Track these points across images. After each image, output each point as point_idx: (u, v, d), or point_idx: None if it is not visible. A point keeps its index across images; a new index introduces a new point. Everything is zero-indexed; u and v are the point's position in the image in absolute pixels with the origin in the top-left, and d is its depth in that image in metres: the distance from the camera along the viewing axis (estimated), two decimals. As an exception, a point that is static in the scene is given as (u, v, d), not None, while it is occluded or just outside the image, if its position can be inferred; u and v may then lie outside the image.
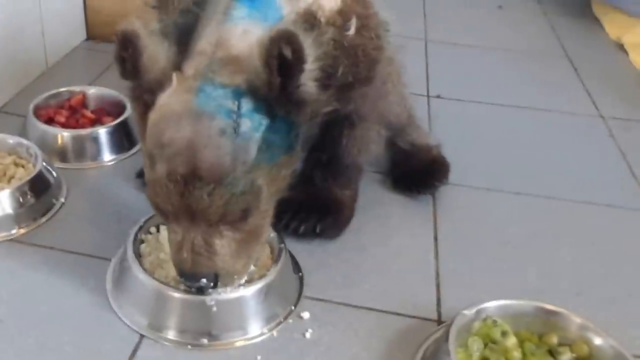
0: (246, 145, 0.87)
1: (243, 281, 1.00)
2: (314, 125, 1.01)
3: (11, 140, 1.31)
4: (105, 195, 1.29)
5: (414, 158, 1.38)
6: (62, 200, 1.26)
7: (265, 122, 0.89)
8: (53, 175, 1.27)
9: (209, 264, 0.92)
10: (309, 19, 0.96)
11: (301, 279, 1.11)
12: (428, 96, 1.78)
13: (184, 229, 0.91)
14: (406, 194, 1.36)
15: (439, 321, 1.06)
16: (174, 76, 0.90)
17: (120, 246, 1.10)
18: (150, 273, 1.02)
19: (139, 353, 0.97)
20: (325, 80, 0.95)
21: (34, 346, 0.96)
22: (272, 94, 0.87)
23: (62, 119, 1.43)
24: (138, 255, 1.06)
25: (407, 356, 0.99)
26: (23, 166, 1.28)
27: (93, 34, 1.96)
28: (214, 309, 0.98)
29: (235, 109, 0.87)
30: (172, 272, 1.01)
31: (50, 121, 1.42)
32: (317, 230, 1.19)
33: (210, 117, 0.86)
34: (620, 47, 2.24)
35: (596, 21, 2.47)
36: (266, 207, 0.95)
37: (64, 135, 1.38)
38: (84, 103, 1.50)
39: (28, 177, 1.20)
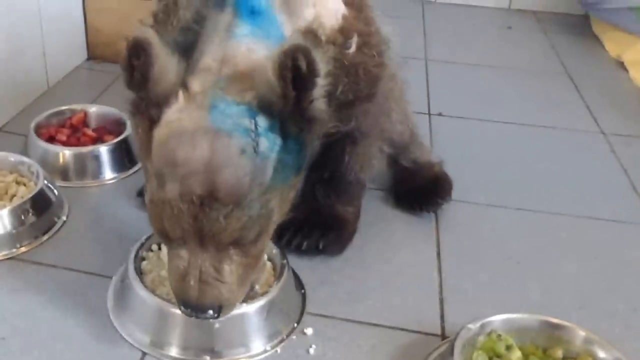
0: (264, 165, 0.85)
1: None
2: (317, 144, 1.01)
3: (13, 158, 1.31)
4: (107, 214, 1.29)
5: (416, 175, 1.38)
6: (64, 218, 1.26)
7: (279, 141, 0.86)
8: (54, 194, 1.26)
9: (215, 294, 0.88)
10: (310, 37, 0.95)
11: (304, 296, 1.11)
12: (429, 114, 1.79)
13: (191, 253, 0.87)
14: (409, 211, 1.36)
15: (443, 336, 1.05)
16: (180, 93, 0.87)
17: (122, 264, 1.10)
18: (151, 290, 1.02)
19: (141, 370, 0.96)
20: (327, 98, 0.93)
21: (36, 364, 0.96)
22: (286, 109, 0.85)
23: (63, 138, 1.44)
24: (139, 273, 1.05)
25: (411, 371, 0.99)
26: (25, 184, 1.28)
27: (94, 54, 1.96)
28: (217, 325, 0.97)
29: (253, 127, 0.84)
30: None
31: (51, 140, 1.43)
32: (320, 246, 1.18)
33: (228, 135, 0.82)
34: (620, 64, 2.25)
35: (596, 39, 2.48)
36: (271, 231, 0.93)
37: (65, 154, 1.38)
38: (85, 121, 1.51)
39: (29, 195, 1.20)
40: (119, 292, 1.06)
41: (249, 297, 1.00)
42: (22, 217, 1.18)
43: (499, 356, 0.94)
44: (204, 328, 0.97)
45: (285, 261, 1.08)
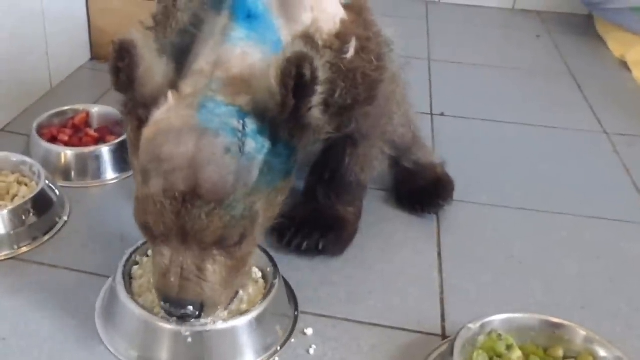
0: (249, 166, 0.84)
1: (225, 314, 0.97)
2: (317, 147, 1.00)
3: (14, 158, 1.31)
4: (108, 214, 1.29)
5: (418, 177, 1.37)
6: (65, 218, 1.26)
7: (267, 144, 0.86)
8: (56, 194, 1.27)
9: (197, 291, 0.87)
10: (307, 42, 0.93)
11: (296, 306, 1.09)
12: (432, 114, 1.78)
13: (173, 251, 0.87)
14: (410, 212, 1.36)
15: (444, 336, 1.05)
16: (170, 94, 0.87)
17: (122, 265, 1.10)
18: (138, 295, 1.01)
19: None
20: (324, 103, 0.92)
21: (35, 364, 0.96)
22: (282, 116, 0.85)
23: (65, 138, 1.44)
24: (129, 277, 1.04)
25: (411, 371, 0.99)
26: (26, 184, 1.28)
27: (98, 54, 1.97)
28: (206, 340, 0.95)
29: (240, 128, 0.84)
30: None
31: (53, 140, 1.43)
32: (320, 247, 1.18)
33: (214, 133, 0.83)
34: (624, 64, 2.25)
35: (599, 39, 2.48)
36: (257, 235, 0.92)
37: (67, 154, 1.38)
38: (87, 122, 1.51)
39: (30, 196, 1.20)
40: (107, 296, 1.05)
41: (238, 312, 0.99)
42: (23, 217, 1.18)
43: (499, 356, 0.94)
44: (195, 342, 0.95)
45: (276, 280, 1.04)
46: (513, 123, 1.79)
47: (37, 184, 1.25)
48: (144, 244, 1.08)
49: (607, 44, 2.41)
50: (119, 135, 1.44)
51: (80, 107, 1.53)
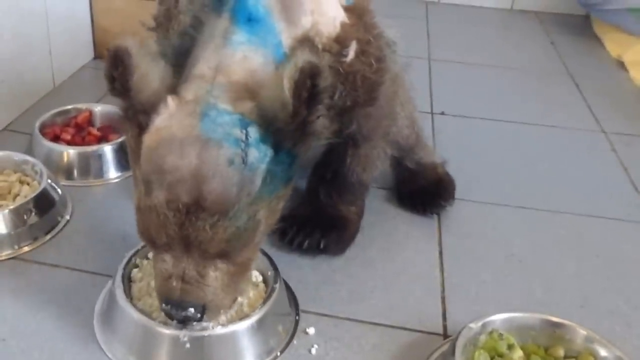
0: (252, 176, 0.83)
1: (225, 318, 0.97)
2: (311, 153, 0.99)
3: (17, 157, 1.31)
4: (111, 213, 1.29)
5: (420, 177, 1.38)
6: (67, 217, 1.27)
7: (270, 152, 0.85)
8: (58, 193, 1.27)
9: (198, 294, 0.87)
10: (311, 48, 0.92)
11: (297, 322, 1.07)
12: (432, 113, 1.79)
13: (175, 259, 0.87)
14: (412, 211, 1.36)
15: (445, 335, 1.06)
16: (170, 99, 0.86)
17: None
18: (136, 299, 1.00)
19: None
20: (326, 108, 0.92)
21: (36, 365, 0.96)
22: (291, 126, 0.84)
23: (68, 137, 1.44)
24: (129, 281, 1.04)
25: (413, 370, 0.99)
26: (28, 184, 1.28)
27: (101, 54, 1.96)
28: (205, 345, 0.94)
29: (243, 137, 0.83)
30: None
31: (56, 139, 1.43)
32: (321, 246, 1.18)
33: (217, 144, 0.82)
34: (621, 64, 2.26)
35: (597, 40, 2.49)
36: (259, 241, 0.92)
37: (69, 153, 1.38)
38: (90, 121, 1.51)
39: (32, 195, 1.20)
40: (106, 300, 1.04)
41: (238, 317, 0.98)
42: (25, 217, 1.18)
43: (500, 355, 0.94)
44: (193, 348, 0.94)
45: (276, 284, 1.03)
46: (512, 122, 1.80)
47: (39, 183, 1.25)
48: (144, 246, 1.08)
49: (605, 45, 2.42)
50: (122, 134, 1.42)
51: (83, 106, 1.53)
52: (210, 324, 0.94)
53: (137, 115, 0.87)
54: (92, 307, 1.05)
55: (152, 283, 1.02)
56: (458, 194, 1.38)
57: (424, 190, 1.36)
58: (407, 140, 1.32)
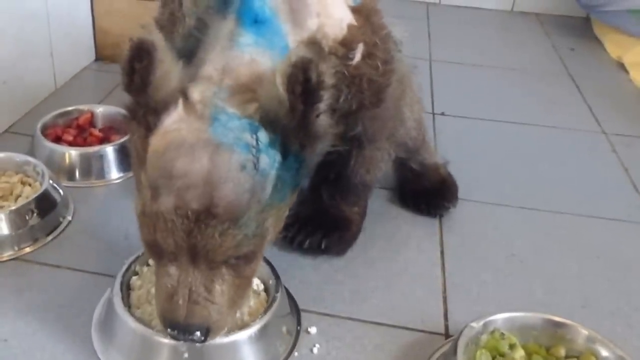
0: (264, 182, 0.82)
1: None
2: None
3: (18, 158, 1.31)
4: (112, 213, 1.29)
5: (423, 178, 1.38)
6: (69, 218, 1.27)
7: (279, 158, 0.83)
8: (60, 194, 1.27)
9: (204, 315, 0.84)
10: (313, 48, 0.91)
11: (298, 332, 1.05)
12: (433, 114, 1.79)
13: (181, 270, 0.83)
14: (415, 212, 1.37)
15: (447, 335, 1.06)
16: (180, 100, 0.83)
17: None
18: (135, 307, 0.99)
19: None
20: (330, 109, 0.89)
21: (38, 366, 0.96)
22: (292, 124, 0.82)
23: (69, 138, 1.44)
24: (127, 288, 1.02)
25: (415, 370, 0.99)
26: (30, 184, 1.28)
27: (102, 55, 1.97)
28: (205, 355, 0.93)
29: (254, 143, 0.81)
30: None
31: (58, 140, 1.43)
32: (323, 246, 1.18)
33: (229, 149, 0.79)
34: (621, 66, 2.26)
35: (597, 41, 2.49)
36: (263, 250, 0.90)
37: (71, 154, 1.38)
38: (92, 122, 1.51)
39: (34, 196, 1.20)
40: (105, 308, 1.03)
41: (238, 326, 0.97)
42: (27, 218, 1.18)
43: (502, 355, 0.95)
44: (193, 356, 0.92)
45: (278, 293, 1.01)
46: (513, 123, 1.80)
47: (41, 184, 1.25)
48: (142, 253, 1.07)
49: (605, 46, 2.43)
50: (124, 135, 1.44)
51: (84, 107, 1.53)
52: None
53: (146, 115, 0.83)
54: (94, 307, 1.05)
55: (152, 290, 1.01)
56: (459, 194, 1.38)
57: (427, 192, 1.36)
58: (415, 141, 1.32)
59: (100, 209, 1.31)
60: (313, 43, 0.90)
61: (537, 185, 1.50)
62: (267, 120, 0.83)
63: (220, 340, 0.92)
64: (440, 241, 1.28)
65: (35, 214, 1.19)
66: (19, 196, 1.25)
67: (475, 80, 2.10)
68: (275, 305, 1.00)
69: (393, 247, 1.25)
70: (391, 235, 1.29)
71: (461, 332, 0.94)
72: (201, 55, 0.91)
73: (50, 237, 1.21)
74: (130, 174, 1.39)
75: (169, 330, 0.86)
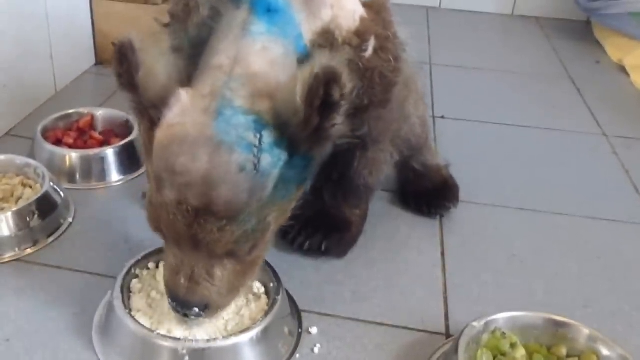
0: (264, 182, 0.82)
1: (223, 328, 0.98)
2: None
3: (19, 161, 1.31)
4: (113, 215, 1.29)
5: (425, 179, 1.38)
6: (70, 220, 1.27)
7: (284, 157, 0.83)
8: (60, 196, 1.27)
9: (203, 294, 0.88)
10: (328, 38, 0.93)
11: (300, 335, 1.05)
12: (434, 117, 1.79)
13: (185, 255, 0.87)
14: (416, 213, 1.37)
15: (447, 334, 1.06)
16: (184, 92, 0.83)
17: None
18: (135, 311, 0.99)
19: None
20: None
21: (40, 365, 0.97)
22: (303, 134, 0.82)
23: (70, 141, 1.44)
24: (128, 291, 1.03)
25: (416, 369, 0.99)
26: (31, 187, 1.28)
27: (102, 59, 1.97)
28: (206, 358, 0.93)
29: (257, 142, 0.80)
30: (159, 314, 0.99)
31: (58, 143, 1.43)
32: (323, 247, 1.18)
33: (230, 149, 0.79)
34: (622, 69, 2.26)
35: (598, 44, 2.49)
36: (269, 239, 0.92)
37: (72, 156, 1.38)
38: (92, 125, 1.52)
39: (35, 198, 1.20)
40: (105, 311, 1.03)
41: (239, 329, 0.98)
42: (28, 219, 1.18)
43: (503, 354, 0.94)
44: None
45: (279, 296, 1.02)
46: (513, 125, 1.80)
47: (42, 186, 1.25)
48: (144, 256, 1.08)
49: (605, 49, 2.43)
50: (124, 138, 1.44)
51: (85, 110, 1.53)
52: (210, 338, 0.94)
53: (147, 110, 0.86)
54: (95, 308, 1.05)
55: (152, 294, 1.03)
56: (460, 196, 1.38)
57: (428, 192, 1.36)
58: (418, 139, 1.32)
59: (100, 211, 1.31)
60: (327, 33, 0.92)
61: (537, 187, 1.50)
62: (278, 120, 0.82)
63: (221, 343, 0.93)
64: (441, 242, 1.28)
65: (36, 216, 1.20)
66: (19, 198, 1.25)
67: (476, 84, 2.10)
68: (276, 307, 1.00)
69: (394, 248, 1.25)
70: (392, 236, 1.29)
71: (462, 331, 0.94)
72: (213, 44, 0.90)
73: (51, 239, 1.21)
74: (131, 177, 1.42)
75: (169, 300, 0.91)
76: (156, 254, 1.08)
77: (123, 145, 1.41)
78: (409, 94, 1.21)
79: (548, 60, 2.35)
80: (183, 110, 0.83)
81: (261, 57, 0.87)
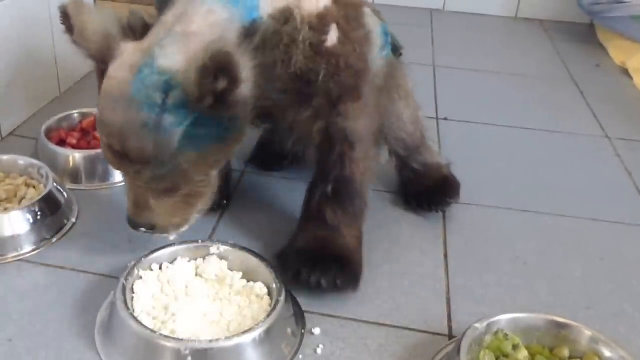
0: (168, 138, 0.91)
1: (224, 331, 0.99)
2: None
3: (23, 161, 1.32)
4: (116, 215, 1.28)
5: (425, 177, 1.38)
6: (73, 220, 1.27)
7: (191, 117, 0.91)
8: (64, 196, 1.27)
9: (146, 216, 1.04)
10: (285, 13, 0.98)
11: (302, 336, 1.04)
12: (437, 119, 1.80)
13: (129, 185, 1.03)
14: (418, 211, 1.37)
15: (450, 336, 1.06)
16: (125, 46, 0.95)
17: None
18: (138, 311, 1.00)
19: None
20: (305, 84, 1.02)
21: (43, 365, 0.97)
22: (201, 105, 0.89)
23: (73, 141, 1.44)
24: (131, 292, 1.03)
25: (418, 370, 0.99)
26: (34, 187, 1.29)
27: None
28: (209, 358, 0.92)
29: (160, 102, 0.90)
30: (161, 314, 1.00)
31: (62, 143, 1.44)
32: (338, 284, 1.10)
33: (137, 107, 0.91)
34: (625, 71, 2.26)
35: (601, 47, 2.49)
36: (201, 178, 1.01)
37: (75, 157, 1.38)
38: (95, 125, 1.51)
39: (38, 197, 1.20)
40: (108, 312, 1.03)
41: (241, 329, 0.97)
42: (31, 219, 1.19)
43: (505, 355, 0.95)
44: None
45: (281, 297, 1.01)
46: (517, 127, 1.80)
47: (45, 186, 1.25)
48: (146, 256, 1.08)
49: (609, 52, 2.43)
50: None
51: (88, 111, 1.53)
52: (212, 338, 0.94)
53: (97, 63, 0.99)
54: (98, 308, 1.05)
55: (155, 295, 1.04)
56: (463, 197, 1.38)
57: (429, 190, 1.36)
58: (412, 137, 1.33)
59: (104, 211, 1.31)
60: (286, 10, 0.98)
61: (540, 189, 1.50)
62: (187, 84, 0.88)
63: (224, 343, 0.93)
64: (443, 243, 1.28)
65: (39, 216, 1.20)
66: (23, 198, 1.25)
67: (479, 86, 2.10)
68: (279, 308, 1.00)
69: (397, 250, 1.25)
70: (395, 237, 1.29)
71: (465, 332, 0.94)
72: (173, 2, 0.99)
73: (54, 239, 1.21)
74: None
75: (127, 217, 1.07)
76: (159, 255, 1.09)
77: (126, 146, 1.41)
78: (390, 91, 1.23)
79: (551, 63, 2.35)
80: (119, 65, 0.94)
81: (204, 18, 0.94)
